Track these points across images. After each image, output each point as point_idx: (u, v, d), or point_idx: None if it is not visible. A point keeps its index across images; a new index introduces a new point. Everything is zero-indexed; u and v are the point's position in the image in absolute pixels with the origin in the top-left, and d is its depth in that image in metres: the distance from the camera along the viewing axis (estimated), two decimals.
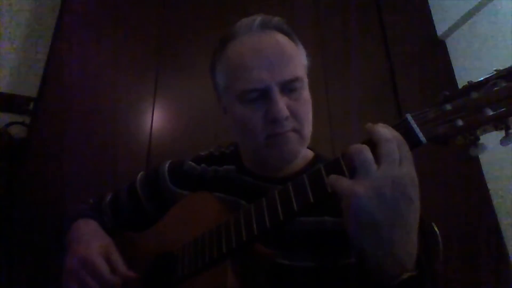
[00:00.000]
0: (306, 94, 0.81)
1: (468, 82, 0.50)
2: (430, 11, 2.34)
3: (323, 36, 2.18)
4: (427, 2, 2.37)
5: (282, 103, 0.75)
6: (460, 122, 0.49)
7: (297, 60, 0.82)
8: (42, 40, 1.98)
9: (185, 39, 2.03)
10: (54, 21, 1.91)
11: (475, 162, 1.96)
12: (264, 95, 0.76)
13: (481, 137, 0.49)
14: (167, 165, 1.01)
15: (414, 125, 0.52)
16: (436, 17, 2.31)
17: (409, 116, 0.53)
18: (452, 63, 2.20)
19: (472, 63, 2.06)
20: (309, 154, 0.92)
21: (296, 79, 0.78)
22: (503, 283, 1.71)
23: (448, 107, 0.50)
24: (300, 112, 0.78)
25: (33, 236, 1.53)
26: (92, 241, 0.82)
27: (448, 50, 2.25)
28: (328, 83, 2.07)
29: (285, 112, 0.74)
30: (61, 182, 1.63)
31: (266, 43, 0.79)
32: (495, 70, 0.48)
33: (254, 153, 0.85)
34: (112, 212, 1.00)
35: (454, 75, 2.17)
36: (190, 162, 0.99)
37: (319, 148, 0.97)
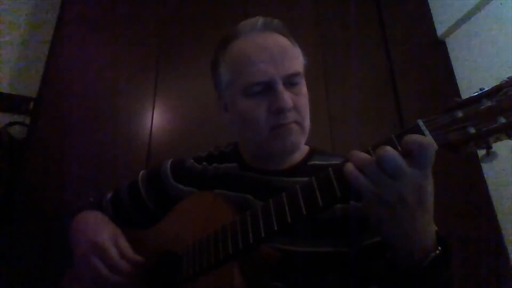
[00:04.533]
0: (305, 89, 0.86)
1: (479, 89, 0.49)
2: (430, 11, 2.35)
3: (323, 36, 2.18)
4: (427, 2, 2.37)
5: (286, 95, 0.79)
6: (472, 130, 0.49)
7: (297, 57, 0.87)
8: (42, 40, 1.98)
9: (185, 39, 2.03)
10: (54, 21, 1.91)
11: (475, 162, 1.96)
12: (268, 88, 0.80)
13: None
14: (169, 162, 1.02)
15: (426, 131, 0.52)
16: (436, 17, 2.32)
17: (420, 122, 0.53)
18: (452, 63, 2.21)
19: (472, 63, 2.07)
20: (304, 147, 0.95)
21: (297, 74, 0.83)
22: (503, 283, 1.72)
23: (460, 114, 0.50)
24: (301, 105, 0.83)
25: (33, 236, 1.53)
26: (100, 228, 0.85)
27: (448, 50, 2.25)
28: (328, 83, 2.07)
29: (289, 102, 0.79)
30: (61, 182, 1.62)
31: (269, 41, 0.83)
32: (508, 78, 0.48)
33: (257, 146, 0.87)
34: (113, 209, 1.01)
35: (454, 75, 2.17)
36: (192, 160, 1.01)
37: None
